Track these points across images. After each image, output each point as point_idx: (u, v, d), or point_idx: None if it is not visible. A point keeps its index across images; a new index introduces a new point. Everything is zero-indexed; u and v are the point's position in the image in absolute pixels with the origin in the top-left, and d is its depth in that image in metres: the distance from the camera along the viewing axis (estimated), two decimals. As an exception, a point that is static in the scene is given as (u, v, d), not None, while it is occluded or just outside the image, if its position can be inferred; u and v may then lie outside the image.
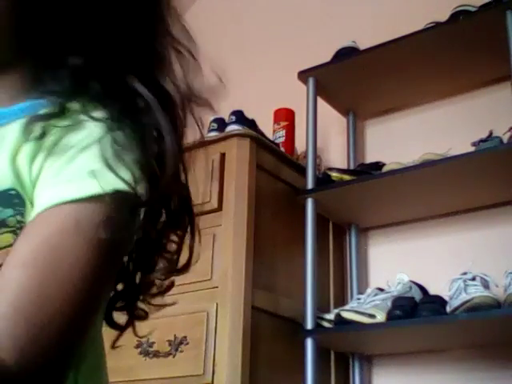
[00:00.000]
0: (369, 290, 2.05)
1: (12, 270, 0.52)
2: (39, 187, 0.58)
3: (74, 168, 0.58)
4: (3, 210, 0.58)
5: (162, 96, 0.66)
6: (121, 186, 0.58)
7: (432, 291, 1.99)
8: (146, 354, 1.90)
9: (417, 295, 1.96)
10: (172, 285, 0.71)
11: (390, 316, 1.87)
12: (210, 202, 1.97)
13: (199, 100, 0.71)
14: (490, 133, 2.02)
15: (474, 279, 1.83)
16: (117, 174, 0.58)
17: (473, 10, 2.10)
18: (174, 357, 1.85)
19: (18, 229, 0.58)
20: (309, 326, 1.95)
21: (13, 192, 0.58)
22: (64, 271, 0.52)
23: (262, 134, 2.20)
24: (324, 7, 2.81)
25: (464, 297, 1.76)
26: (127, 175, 0.58)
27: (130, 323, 0.70)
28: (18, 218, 0.59)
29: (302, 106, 2.26)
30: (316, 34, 2.76)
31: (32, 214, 0.57)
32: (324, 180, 2.15)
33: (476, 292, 1.76)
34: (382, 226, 2.32)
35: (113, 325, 0.70)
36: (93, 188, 0.56)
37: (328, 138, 2.55)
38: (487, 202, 2.10)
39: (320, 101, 2.31)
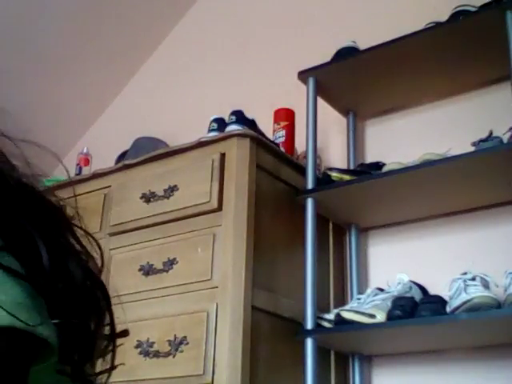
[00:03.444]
0: (369, 290, 2.05)
1: None
2: None
3: None
4: None
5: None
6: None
7: (432, 291, 1.99)
8: (146, 354, 1.90)
9: (417, 295, 1.96)
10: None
11: (390, 316, 1.87)
12: (209, 202, 1.97)
13: None
14: (490, 133, 2.02)
15: (474, 279, 1.83)
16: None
17: (473, 10, 2.10)
18: (173, 357, 1.85)
19: None
20: (309, 326, 1.95)
21: None
22: None
23: (262, 134, 2.20)
24: (324, 7, 2.81)
25: (464, 297, 1.76)
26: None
27: None
28: None
29: (301, 106, 2.26)
30: (316, 34, 2.76)
31: None
32: (324, 180, 2.15)
33: (476, 292, 1.76)
34: (382, 226, 2.32)
35: None
36: None
37: (328, 138, 2.55)
38: (487, 202, 2.10)
39: (320, 101, 2.31)
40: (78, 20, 3.08)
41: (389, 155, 2.26)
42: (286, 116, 2.42)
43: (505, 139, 1.96)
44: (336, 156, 2.52)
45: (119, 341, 0.67)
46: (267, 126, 2.36)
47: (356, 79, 2.29)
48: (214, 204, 1.96)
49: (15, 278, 0.53)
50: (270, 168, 2.12)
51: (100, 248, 0.66)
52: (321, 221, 2.19)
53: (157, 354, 1.88)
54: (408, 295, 1.95)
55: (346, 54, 2.26)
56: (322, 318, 2.01)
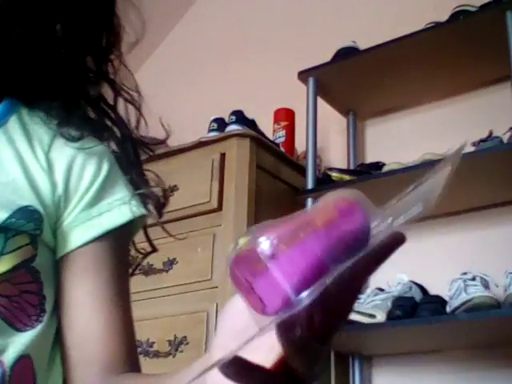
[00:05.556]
0: (369, 290, 2.05)
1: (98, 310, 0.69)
2: (73, 218, 0.67)
3: (108, 198, 0.69)
4: (26, 223, 0.63)
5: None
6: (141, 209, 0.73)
7: (432, 291, 1.99)
8: (145, 354, 1.90)
9: (417, 295, 1.96)
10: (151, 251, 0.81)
11: (390, 316, 1.87)
12: (209, 202, 1.97)
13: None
14: (490, 133, 2.02)
15: (474, 279, 1.83)
16: (138, 199, 0.72)
17: (473, 9, 2.10)
18: (173, 357, 1.85)
19: (33, 236, 0.64)
20: (309, 326, 1.95)
21: (31, 208, 0.64)
22: (126, 300, 0.73)
23: (262, 134, 2.20)
24: (324, 7, 2.81)
25: (464, 297, 1.76)
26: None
27: None
28: (37, 232, 0.64)
29: (301, 106, 2.26)
30: (316, 34, 2.76)
31: (71, 241, 0.67)
32: (324, 180, 2.15)
33: (476, 292, 1.76)
34: (381, 226, 2.31)
35: None
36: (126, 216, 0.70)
37: (328, 138, 2.55)
38: (487, 202, 2.10)
39: (320, 101, 2.31)
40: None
41: (389, 155, 2.26)
42: (286, 116, 2.42)
43: (505, 139, 1.96)
44: (336, 156, 2.52)
45: None
46: (267, 126, 2.36)
47: (356, 79, 2.29)
48: (214, 204, 1.96)
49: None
50: (270, 168, 2.12)
51: None
52: (321, 221, 2.19)
53: (157, 354, 1.88)
54: (408, 295, 1.95)
55: (346, 54, 2.26)
56: (321, 318, 2.01)
